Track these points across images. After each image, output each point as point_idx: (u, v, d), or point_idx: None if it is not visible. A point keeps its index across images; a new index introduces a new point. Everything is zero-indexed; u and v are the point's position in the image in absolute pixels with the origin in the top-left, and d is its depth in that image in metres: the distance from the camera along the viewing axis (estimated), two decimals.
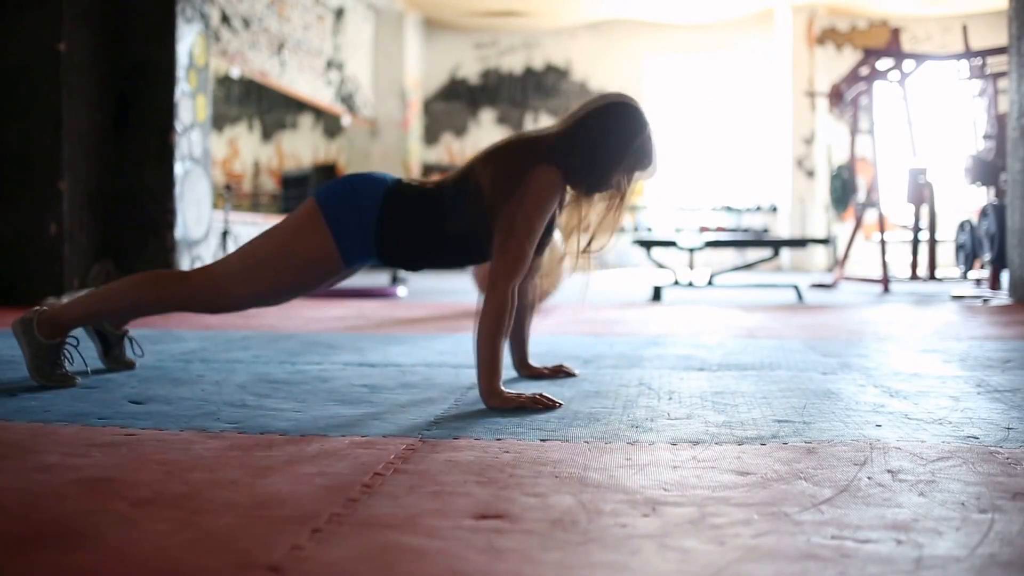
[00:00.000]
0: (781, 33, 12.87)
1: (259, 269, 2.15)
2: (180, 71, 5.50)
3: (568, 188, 2.14)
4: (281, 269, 2.15)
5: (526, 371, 2.44)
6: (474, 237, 2.09)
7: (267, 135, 13.77)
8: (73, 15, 5.06)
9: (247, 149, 13.68)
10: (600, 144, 2.08)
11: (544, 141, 2.10)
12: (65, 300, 2.37)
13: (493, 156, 2.10)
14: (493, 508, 1.19)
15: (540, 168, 2.04)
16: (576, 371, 2.48)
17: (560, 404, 1.97)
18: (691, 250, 6.73)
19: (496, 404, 1.93)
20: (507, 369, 2.43)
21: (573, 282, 2.20)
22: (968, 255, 6.89)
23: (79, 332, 2.54)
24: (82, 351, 2.35)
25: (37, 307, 2.28)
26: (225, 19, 8.11)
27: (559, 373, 2.44)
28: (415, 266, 2.23)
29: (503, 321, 1.98)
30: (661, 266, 6.89)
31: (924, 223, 7.42)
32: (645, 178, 2.18)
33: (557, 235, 2.25)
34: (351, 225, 2.11)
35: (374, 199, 2.12)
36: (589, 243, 2.15)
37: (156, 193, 5.44)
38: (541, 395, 1.96)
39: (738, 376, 2.45)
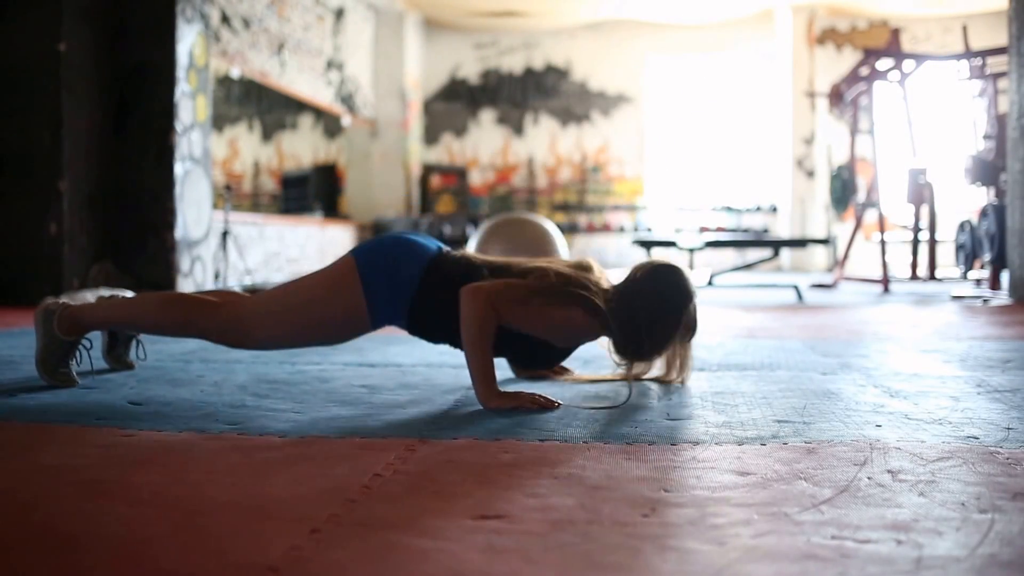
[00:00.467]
0: (781, 33, 12.86)
1: (285, 316, 2.13)
2: (180, 71, 5.50)
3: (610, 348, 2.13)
4: (307, 320, 2.13)
5: (524, 372, 2.43)
6: (510, 331, 2.06)
7: (267, 135, 13.77)
8: (73, 15, 5.07)
9: (247, 149, 13.68)
10: (651, 321, 2.06)
11: (595, 296, 2.05)
12: (64, 299, 2.35)
13: (556, 272, 2.06)
14: (492, 508, 1.19)
15: (579, 309, 2.02)
16: (575, 372, 2.48)
17: (559, 404, 1.96)
18: (691, 250, 6.73)
19: (495, 405, 1.93)
20: (506, 371, 2.43)
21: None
22: (968, 255, 6.89)
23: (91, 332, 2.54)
24: (91, 354, 2.34)
25: (63, 300, 2.27)
26: (225, 19, 8.11)
27: (558, 374, 2.44)
28: (439, 339, 2.20)
29: (484, 326, 1.97)
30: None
31: (924, 223, 7.42)
32: (688, 341, 2.21)
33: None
34: (386, 291, 2.09)
35: (414, 273, 2.09)
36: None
37: (156, 193, 5.45)
38: (539, 395, 1.96)
39: (738, 376, 2.45)
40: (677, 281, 2.10)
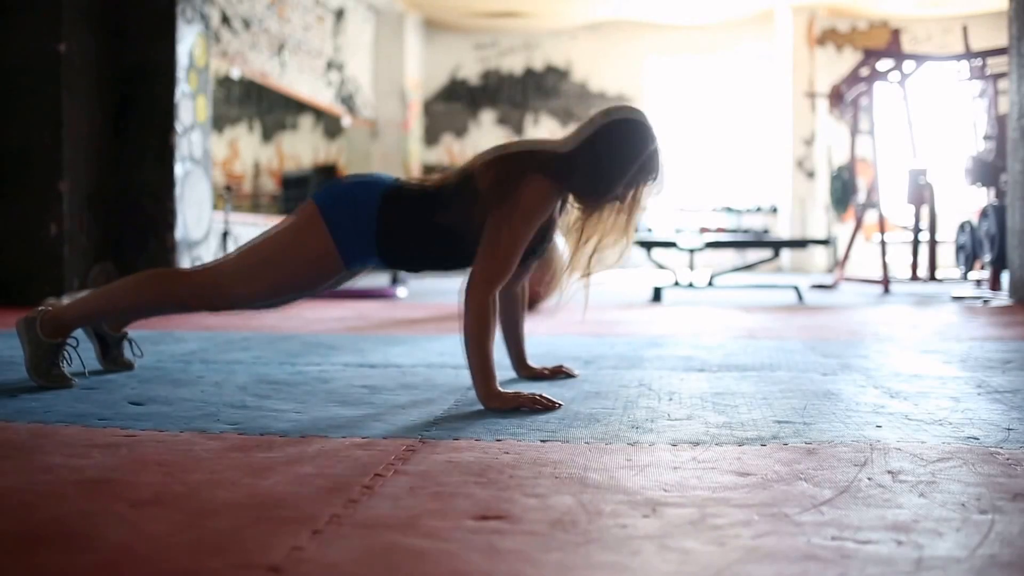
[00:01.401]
0: (781, 34, 12.87)
1: (259, 269, 2.16)
2: (180, 72, 5.50)
3: (571, 200, 2.14)
4: (281, 269, 2.15)
5: (525, 372, 2.43)
6: (472, 238, 2.08)
7: (267, 136, 13.77)
8: (73, 16, 5.07)
9: (247, 150, 13.67)
10: (605, 160, 2.06)
11: (547, 153, 2.09)
12: (66, 300, 2.36)
13: (495, 160, 2.10)
14: (493, 509, 1.19)
15: (534, 178, 2.02)
16: (576, 372, 2.48)
17: (560, 405, 1.97)
18: (691, 251, 6.73)
19: (495, 405, 1.93)
20: (507, 371, 2.43)
21: (574, 289, 2.18)
22: (968, 256, 6.89)
23: (79, 333, 2.54)
24: (81, 353, 2.35)
25: (41, 307, 2.29)
26: (225, 20, 8.12)
27: (559, 374, 2.44)
28: (415, 267, 2.22)
29: (485, 324, 1.97)
30: (661, 267, 6.89)
31: (924, 224, 7.42)
32: (652, 193, 2.15)
33: (561, 243, 2.24)
34: (350, 225, 2.11)
35: (372, 199, 2.12)
36: (593, 254, 2.14)
37: (156, 194, 5.45)
38: (540, 395, 1.96)
39: (738, 377, 2.45)
40: (637, 119, 2.10)
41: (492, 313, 1.99)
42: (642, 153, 2.07)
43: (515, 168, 2.05)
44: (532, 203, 2.02)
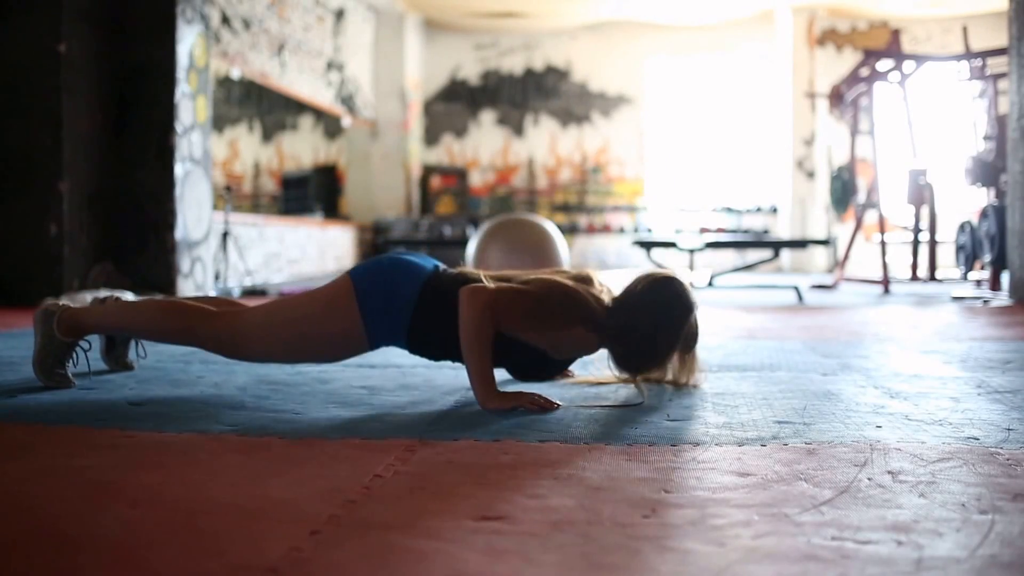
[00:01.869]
0: (781, 34, 12.87)
1: (282, 332, 2.13)
2: (180, 72, 5.50)
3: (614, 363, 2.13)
4: (304, 338, 2.13)
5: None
6: (505, 339, 2.05)
7: (267, 136, 13.77)
8: (73, 16, 5.07)
9: (247, 150, 13.68)
10: (651, 333, 2.05)
11: (596, 314, 2.04)
12: (65, 301, 2.36)
13: (551, 285, 2.05)
14: (493, 509, 1.19)
15: (578, 328, 2.03)
16: (575, 372, 2.48)
17: (559, 406, 1.96)
18: (691, 251, 6.73)
19: (494, 406, 1.93)
20: (506, 371, 2.42)
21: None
22: (968, 256, 6.89)
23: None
24: (88, 356, 2.35)
25: (63, 301, 2.28)
26: (225, 20, 8.12)
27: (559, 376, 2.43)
28: (439, 357, 2.20)
29: (481, 328, 1.96)
30: (661, 267, 6.89)
31: (924, 224, 7.41)
32: (689, 351, 2.20)
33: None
34: (383, 313, 2.09)
35: (410, 291, 2.09)
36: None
37: (156, 194, 5.45)
38: (539, 396, 1.95)
39: (738, 377, 2.45)
40: (678, 292, 2.09)
41: (485, 317, 1.97)
42: (686, 323, 2.08)
43: (572, 306, 2.02)
44: (571, 335, 2.05)
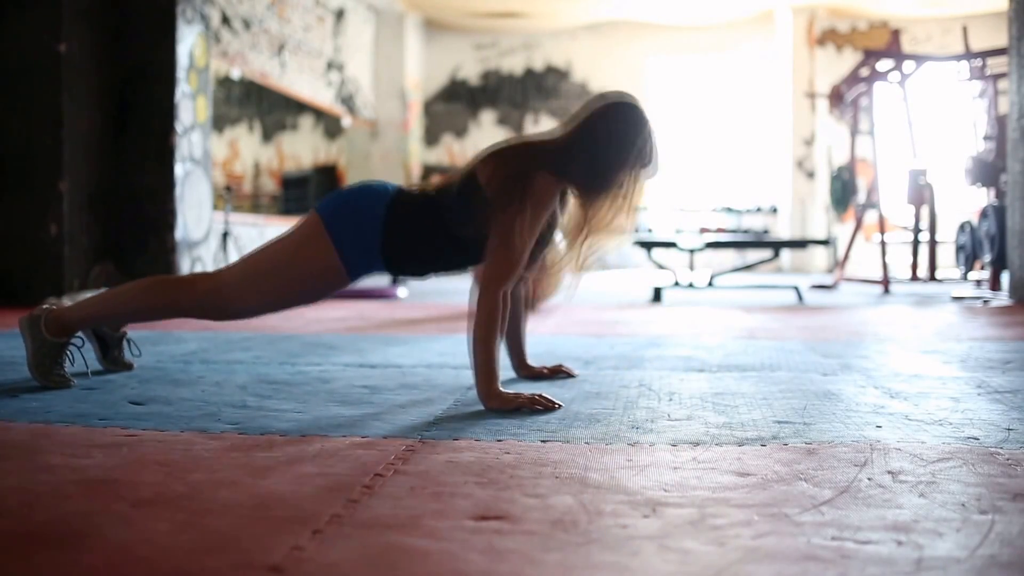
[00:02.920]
0: (781, 34, 12.87)
1: (261, 281, 2.16)
2: (180, 72, 5.50)
3: (571, 191, 2.14)
4: (284, 282, 2.15)
5: (525, 371, 2.43)
6: (482, 240, 2.07)
7: (267, 136, 13.78)
8: (73, 16, 5.07)
9: (247, 150, 13.68)
10: (602, 147, 2.06)
11: (546, 147, 2.10)
12: (67, 301, 2.37)
13: (494, 159, 2.10)
14: (494, 509, 1.19)
15: (537, 175, 2.03)
16: (575, 372, 2.48)
17: (560, 405, 1.97)
18: (691, 251, 6.73)
19: (495, 405, 1.93)
20: (506, 370, 2.43)
21: (569, 283, 2.19)
22: (968, 256, 6.89)
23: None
24: (83, 352, 2.35)
25: (46, 304, 2.29)
26: (225, 20, 8.12)
27: (558, 373, 2.44)
28: (422, 272, 2.22)
29: (496, 325, 1.98)
30: (661, 267, 6.89)
31: (924, 224, 7.42)
32: (647, 177, 2.15)
33: (558, 236, 2.24)
34: (354, 237, 2.11)
35: (377, 210, 2.11)
36: (591, 247, 2.14)
37: (156, 194, 5.45)
38: (541, 396, 1.96)
39: (738, 377, 2.45)
40: (629, 101, 2.11)
41: (503, 312, 1.99)
42: (638, 136, 2.08)
43: (518, 167, 2.05)
44: (538, 200, 2.02)
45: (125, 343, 2.53)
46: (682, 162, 13.47)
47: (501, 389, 1.97)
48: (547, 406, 1.93)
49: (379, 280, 7.26)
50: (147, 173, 5.44)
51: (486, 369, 1.97)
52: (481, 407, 1.96)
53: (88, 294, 3.94)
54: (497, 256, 2.00)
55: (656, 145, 2.14)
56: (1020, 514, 1.17)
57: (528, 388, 2.21)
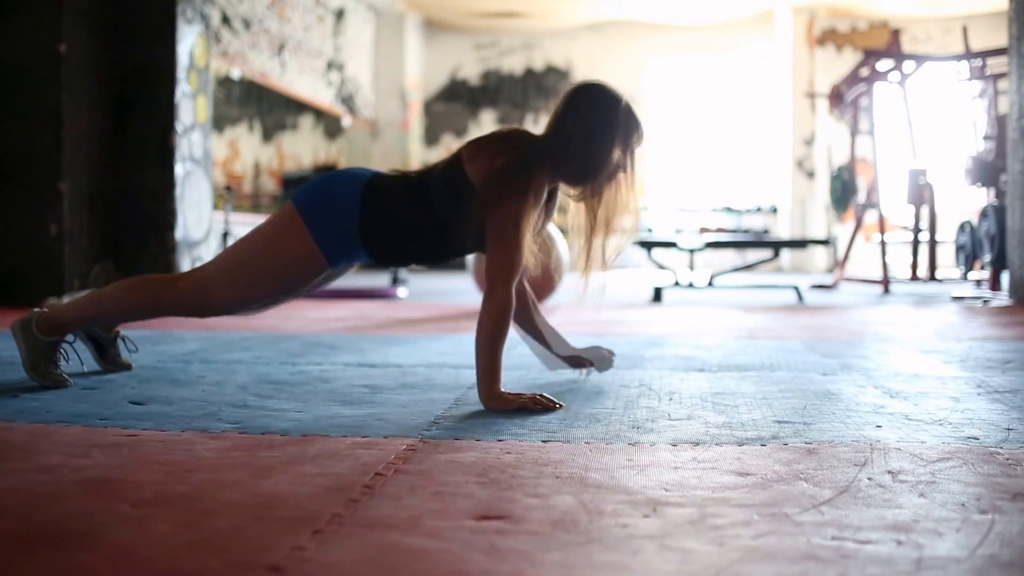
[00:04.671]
0: (781, 34, 12.87)
1: (241, 272, 2.15)
2: (180, 72, 5.50)
3: (571, 189, 2.14)
4: (263, 272, 2.15)
5: (566, 352, 2.40)
6: (465, 227, 2.06)
7: (267, 136, 13.77)
8: (73, 16, 5.07)
9: (247, 150, 13.66)
10: (587, 130, 2.06)
11: (533, 143, 2.09)
12: (66, 300, 2.38)
13: (482, 150, 2.08)
14: (494, 509, 1.19)
15: (530, 170, 2.02)
16: (612, 353, 2.45)
17: (560, 405, 1.97)
18: (691, 251, 6.73)
19: (496, 406, 1.93)
20: (508, 370, 2.43)
21: (586, 282, 2.17)
22: (968, 256, 6.89)
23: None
24: (81, 352, 2.36)
25: (36, 309, 2.30)
26: (225, 20, 8.12)
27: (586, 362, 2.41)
28: (404, 260, 2.22)
29: (503, 323, 1.98)
30: (661, 267, 6.89)
31: (924, 224, 7.42)
32: (638, 146, 2.15)
33: (557, 235, 2.25)
34: (331, 224, 2.10)
35: (353, 195, 2.10)
36: (607, 238, 2.13)
37: (157, 194, 5.45)
38: (541, 396, 1.96)
39: (738, 377, 2.46)
40: (597, 82, 2.11)
41: (510, 311, 1.99)
42: (618, 110, 2.08)
43: (508, 162, 2.04)
44: (531, 196, 2.02)
45: (120, 342, 2.52)
46: (682, 162, 13.47)
47: (502, 390, 1.97)
48: (547, 406, 1.93)
49: (379, 280, 7.26)
50: (147, 173, 5.44)
51: (489, 370, 1.97)
52: (481, 407, 1.96)
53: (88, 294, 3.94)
54: (497, 256, 2.00)
55: (637, 115, 2.14)
56: (1020, 514, 1.17)
57: (531, 387, 2.21)
